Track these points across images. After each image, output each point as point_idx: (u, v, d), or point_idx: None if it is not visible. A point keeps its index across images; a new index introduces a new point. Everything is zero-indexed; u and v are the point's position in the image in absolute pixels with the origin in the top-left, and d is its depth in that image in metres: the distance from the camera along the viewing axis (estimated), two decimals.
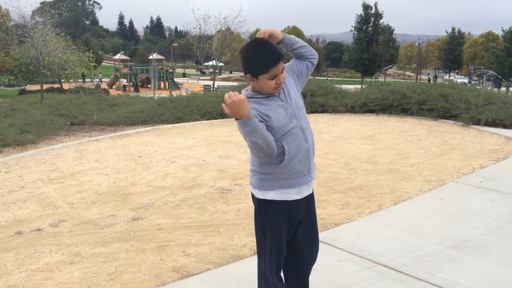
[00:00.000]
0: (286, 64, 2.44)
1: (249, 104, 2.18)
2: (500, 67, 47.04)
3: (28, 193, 5.70)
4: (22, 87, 35.20)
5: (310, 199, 2.55)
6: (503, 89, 34.67)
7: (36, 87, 29.24)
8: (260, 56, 2.22)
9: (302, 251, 2.59)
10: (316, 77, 44.33)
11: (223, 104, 2.16)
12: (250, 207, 4.91)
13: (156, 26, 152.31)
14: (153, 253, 3.81)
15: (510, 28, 46.99)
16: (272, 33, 2.42)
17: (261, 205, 2.44)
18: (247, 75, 2.29)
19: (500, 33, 55.53)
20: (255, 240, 3.99)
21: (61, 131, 11.86)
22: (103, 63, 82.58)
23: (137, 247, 3.95)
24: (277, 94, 2.36)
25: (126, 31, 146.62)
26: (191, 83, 51.04)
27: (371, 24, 47.78)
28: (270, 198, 2.39)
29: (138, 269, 3.53)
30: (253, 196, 2.50)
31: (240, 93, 2.39)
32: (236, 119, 2.15)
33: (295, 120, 2.35)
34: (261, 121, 2.24)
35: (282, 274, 2.61)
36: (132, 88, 41.56)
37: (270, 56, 2.22)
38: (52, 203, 5.27)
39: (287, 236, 2.50)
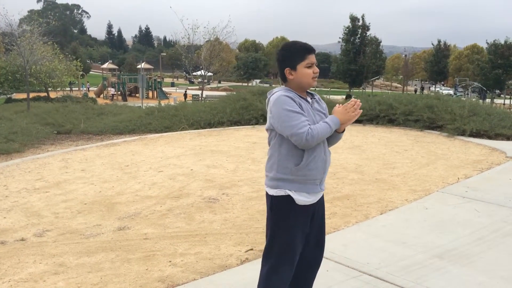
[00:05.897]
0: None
1: (291, 94, 2.41)
2: (484, 79, 47.86)
3: (13, 203, 5.63)
4: (8, 96, 34.80)
5: (319, 204, 2.59)
6: (488, 100, 35.22)
7: (23, 95, 28.91)
8: (296, 46, 2.47)
9: (307, 254, 2.60)
10: None
11: (353, 107, 2.46)
12: (237, 216, 4.91)
13: (144, 36, 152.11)
14: (138, 263, 3.78)
15: (494, 40, 47.91)
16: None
17: (274, 202, 2.47)
18: (286, 69, 2.45)
19: (484, 45, 56.54)
20: (242, 250, 4.01)
21: (47, 140, 11.73)
22: (91, 72, 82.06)
23: (123, 257, 3.92)
24: (309, 101, 2.48)
25: (114, 40, 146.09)
26: (180, 92, 51.01)
27: (359, 35, 48.40)
28: (284, 194, 2.43)
29: (123, 279, 3.50)
30: (267, 196, 2.52)
31: (273, 92, 2.50)
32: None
33: None
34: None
35: None
36: (120, 97, 41.39)
37: (304, 46, 2.47)
38: (37, 213, 5.20)
39: (300, 240, 2.50)
